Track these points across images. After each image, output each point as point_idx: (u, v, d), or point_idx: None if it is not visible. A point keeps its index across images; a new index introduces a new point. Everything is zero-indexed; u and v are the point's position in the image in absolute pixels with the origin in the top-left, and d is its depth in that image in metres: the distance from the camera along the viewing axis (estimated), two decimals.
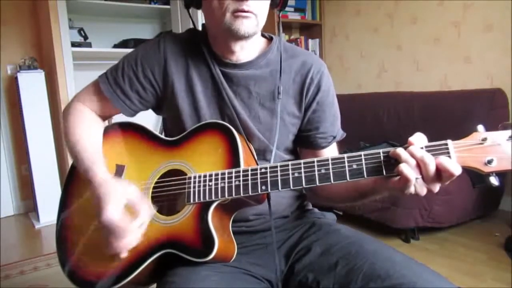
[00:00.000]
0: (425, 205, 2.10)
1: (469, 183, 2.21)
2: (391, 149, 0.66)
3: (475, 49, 2.74)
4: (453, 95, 2.66)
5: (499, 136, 0.61)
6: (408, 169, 0.61)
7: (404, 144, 0.66)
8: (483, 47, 2.69)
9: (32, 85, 2.85)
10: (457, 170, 0.60)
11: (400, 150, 0.63)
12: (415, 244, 2.20)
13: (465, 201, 2.27)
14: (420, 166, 0.61)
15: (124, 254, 0.73)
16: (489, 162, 0.61)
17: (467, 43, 2.78)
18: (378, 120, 3.00)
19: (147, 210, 0.73)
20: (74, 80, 2.98)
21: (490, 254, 2.03)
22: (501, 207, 2.55)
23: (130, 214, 0.72)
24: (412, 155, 0.62)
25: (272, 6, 0.84)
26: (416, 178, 0.62)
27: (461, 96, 2.60)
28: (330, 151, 0.92)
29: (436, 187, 0.63)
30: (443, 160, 0.60)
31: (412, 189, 0.63)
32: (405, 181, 0.62)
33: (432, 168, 0.60)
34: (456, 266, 1.92)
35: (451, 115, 2.51)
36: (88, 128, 0.88)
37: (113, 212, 0.70)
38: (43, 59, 3.19)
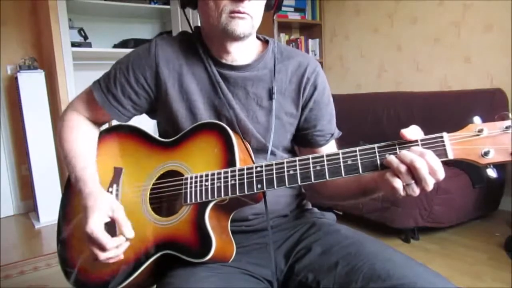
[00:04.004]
0: (425, 205, 2.10)
1: (469, 183, 2.24)
2: (386, 143, 0.65)
3: (475, 49, 2.74)
4: (453, 95, 2.66)
5: (495, 127, 0.59)
6: (394, 179, 0.62)
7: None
8: (483, 47, 2.69)
9: (32, 85, 2.85)
10: (441, 175, 0.61)
11: (391, 158, 0.63)
12: (415, 244, 2.20)
13: (465, 201, 2.27)
14: (412, 171, 0.61)
15: (108, 262, 0.75)
16: (486, 153, 0.59)
17: (467, 43, 2.78)
18: (378, 120, 3.00)
19: (127, 231, 0.75)
20: (74, 80, 2.98)
21: (490, 254, 2.03)
22: (501, 207, 2.55)
23: (111, 231, 0.74)
24: (403, 161, 0.62)
25: (267, 8, 0.85)
26: (408, 184, 0.62)
27: (461, 96, 2.60)
28: (329, 149, 0.93)
29: (430, 187, 0.62)
30: (433, 163, 0.60)
31: (402, 194, 0.63)
32: (392, 189, 0.63)
33: (423, 172, 0.60)
34: (456, 266, 1.92)
35: (451, 115, 2.51)
36: (81, 136, 0.88)
37: (95, 225, 0.72)
38: (43, 59, 3.19)
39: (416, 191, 0.63)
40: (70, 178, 0.83)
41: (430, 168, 0.60)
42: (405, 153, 0.62)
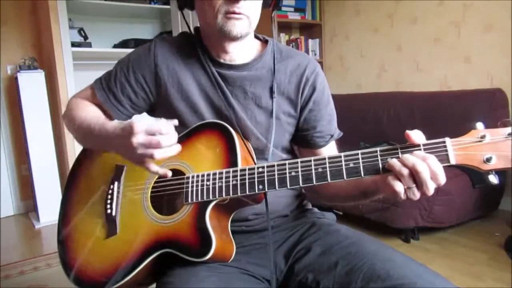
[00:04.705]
0: (425, 205, 2.10)
1: (469, 183, 2.24)
2: (388, 147, 0.65)
3: (475, 49, 2.74)
4: (453, 95, 2.66)
5: (498, 133, 0.60)
6: (396, 182, 0.62)
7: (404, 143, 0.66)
8: (483, 47, 2.69)
9: (32, 85, 2.85)
10: (442, 180, 0.61)
11: (393, 162, 0.63)
12: (415, 244, 2.20)
13: (465, 201, 2.27)
14: (413, 174, 0.61)
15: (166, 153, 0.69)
16: (488, 160, 0.59)
17: (467, 43, 2.78)
18: (378, 120, 2.99)
19: (166, 123, 0.69)
20: (74, 80, 2.98)
21: (490, 254, 2.03)
22: (501, 207, 2.55)
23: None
24: (405, 164, 0.62)
25: (264, 6, 0.85)
26: (409, 188, 0.62)
27: (461, 96, 2.60)
28: (329, 150, 0.93)
29: (430, 192, 0.62)
30: (435, 168, 0.60)
31: (403, 197, 0.64)
32: (393, 192, 0.63)
33: (425, 176, 0.60)
34: (456, 266, 1.92)
35: (451, 115, 2.51)
36: (92, 108, 0.88)
37: (141, 124, 0.67)
38: (43, 59, 3.19)
39: (416, 194, 0.63)
40: (92, 136, 0.79)
41: (432, 172, 0.60)
42: (407, 156, 0.62)
